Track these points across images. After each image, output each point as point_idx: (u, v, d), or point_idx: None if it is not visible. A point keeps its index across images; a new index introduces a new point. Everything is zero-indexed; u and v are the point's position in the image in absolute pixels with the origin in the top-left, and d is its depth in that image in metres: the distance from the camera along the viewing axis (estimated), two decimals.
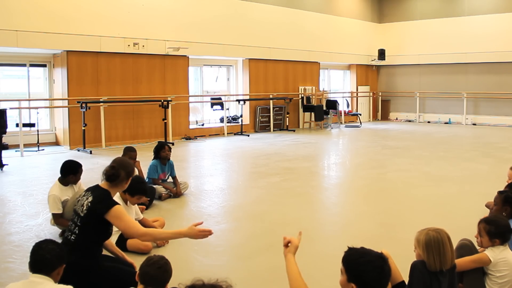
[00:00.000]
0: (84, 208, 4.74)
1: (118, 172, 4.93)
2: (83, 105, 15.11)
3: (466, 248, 4.74)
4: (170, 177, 9.80)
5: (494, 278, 4.53)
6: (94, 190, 4.89)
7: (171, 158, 9.82)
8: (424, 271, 4.02)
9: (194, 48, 18.74)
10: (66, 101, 15.98)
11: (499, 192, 5.53)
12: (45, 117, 16.91)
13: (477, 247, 4.80)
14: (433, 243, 4.05)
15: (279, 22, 22.07)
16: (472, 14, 24.48)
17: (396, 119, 27.41)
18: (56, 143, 16.71)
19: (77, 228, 4.74)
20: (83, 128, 15.35)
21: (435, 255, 4.04)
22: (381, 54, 26.69)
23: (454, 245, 4.37)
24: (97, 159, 13.70)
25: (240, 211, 8.59)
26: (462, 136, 20.27)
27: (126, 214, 4.79)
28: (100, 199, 4.77)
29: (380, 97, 28.14)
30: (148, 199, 8.35)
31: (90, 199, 4.77)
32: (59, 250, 3.98)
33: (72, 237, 4.75)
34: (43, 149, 15.30)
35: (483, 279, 4.59)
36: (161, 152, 9.60)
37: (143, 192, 6.71)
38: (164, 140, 17.34)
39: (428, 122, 25.99)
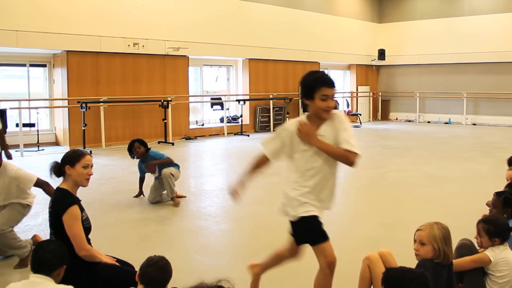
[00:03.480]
0: (48, 214, 4.70)
1: (58, 162, 4.76)
2: (83, 105, 15.12)
3: (466, 248, 4.74)
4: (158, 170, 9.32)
5: (495, 278, 4.52)
6: (54, 192, 4.77)
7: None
8: (432, 271, 4.03)
9: (194, 48, 18.75)
10: (66, 101, 15.99)
11: (497, 194, 5.41)
12: (45, 117, 16.91)
13: (477, 248, 4.80)
14: (448, 235, 4.16)
15: (279, 22, 22.08)
16: (472, 14, 24.49)
17: (396, 119, 27.41)
18: (56, 143, 16.71)
19: (53, 235, 4.70)
20: (83, 128, 15.36)
21: (451, 247, 4.18)
22: (381, 54, 26.71)
23: (454, 244, 4.39)
24: (97, 159, 13.70)
25: (240, 211, 8.58)
26: (462, 136, 20.28)
27: (79, 219, 4.60)
28: (58, 199, 4.66)
29: (380, 97, 28.14)
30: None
31: (50, 203, 4.71)
32: (60, 251, 3.96)
33: None
34: (43, 149, 15.31)
35: (483, 279, 4.59)
36: (133, 152, 9.19)
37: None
38: (164, 140, 17.37)
39: (428, 122, 26.00)
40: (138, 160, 9.41)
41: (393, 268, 3.46)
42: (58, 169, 4.73)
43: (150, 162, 9.05)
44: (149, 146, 9.38)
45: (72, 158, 4.73)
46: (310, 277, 5.44)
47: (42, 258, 3.88)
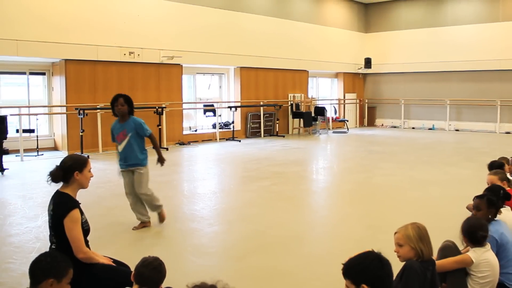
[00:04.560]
0: (49, 217, 4.69)
1: (63, 169, 4.71)
2: (81, 111, 15.11)
3: (449, 249, 4.76)
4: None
5: (476, 279, 4.55)
6: (54, 196, 4.74)
7: (138, 116, 7.99)
8: (419, 271, 4.05)
9: (188, 57, 18.74)
10: (65, 107, 15.95)
11: (478, 197, 5.31)
12: (44, 123, 16.85)
13: (460, 248, 4.83)
14: (424, 233, 4.18)
15: (269, 32, 22.11)
16: (454, 24, 24.60)
17: (382, 125, 27.45)
18: (55, 148, 16.65)
19: (54, 237, 4.68)
20: (80, 133, 15.33)
21: (428, 244, 4.18)
22: (367, 62, 26.78)
23: (437, 245, 4.41)
24: (94, 163, 13.63)
25: (232, 214, 8.59)
26: (445, 141, 20.32)
27: (79, 222, 4.60)
28: (60, 203, 4.65)
29: (366, 104, 28.18)
30: None
31: (51, 207, 4.68)
32: (45, 263, 3.70)
33: (53, 246, 4.70)
34: (42, 154, 15.26)
35: (466, 279, 4.61)
36: (114, 108, 7.85)
37: None
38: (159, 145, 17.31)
39: (413, 128, 26.05)
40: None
41: (348, 260, 3.48)
42: (62, 175, 4.71)
43: (162, 158, 7.87)
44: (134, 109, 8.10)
45: (80, 164, 4.76)
46: (299, 277, 5.46)
47: (30, 269, 3.77)
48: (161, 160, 7.89)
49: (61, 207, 4.61)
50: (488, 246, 4.66)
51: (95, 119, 16.01)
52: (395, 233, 4.27)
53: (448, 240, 4.91)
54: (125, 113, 7.77)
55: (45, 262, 3.73)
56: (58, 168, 4.74)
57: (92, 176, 4.81)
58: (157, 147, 7.98)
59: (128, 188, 7.64)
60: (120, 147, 7.70)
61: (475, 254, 4.59)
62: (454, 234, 4.92)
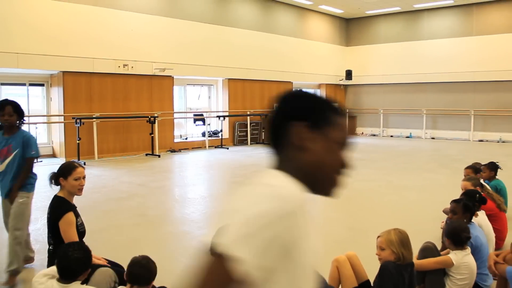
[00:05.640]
0: (47, 220, 4.71)
1: (54, 173, 4.77)
2: (78, 120, 15.08)
3: (429, 250, 4.81)
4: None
5: (455, 280, 4.59)
6: (52, 200, 4.78)
7: (33, 134, 6.31)
8: (393, 271, 4.09)
9: (179, 69, 18.75)
10: (62, 117, 15.90)
11: (455, 201, 5.38)
12: (43, 131, 16.79)
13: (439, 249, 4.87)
14: (405, 238, 4.23)
15: (256, 45, 22.17)
16: (430, 38, 24.75)
17: (362, 133, 27.49)
18: (53, 155, 16.60)
19: (51, 239, 4.69)
20: (77, 141, 15.27)
21: (408, 248, 4.23)
22: (348, 74, 26.86)
23: (414, 245, 4.45)
24: (90, 170, 13.63)
25: (221, 217, 8.59)
26: (421, 149, 20.41)
27: (74, 225, 4.62)
28: (55, 207, 4.68)
29: (347, 113, 28.11)
30: None
31: (48, 210, 4.72)
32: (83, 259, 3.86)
33: (50, 247, 4.73)
34: (41, 161, 15.19)
35: (444, 279, 4.65)
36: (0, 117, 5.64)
37: None
38: (151, 152, 17.31)
39: (391, 136, 26.14)
40: None
41: None
42: (55, 179, 4.75)
43: (14, 192, 5.74)
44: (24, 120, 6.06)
45: (65, 171, 4.75)
46: None
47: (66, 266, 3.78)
48: (12, 192, 5.78)
49: (56, 210, 4.65)
50: (468, 250, 4.71)
51: (91, 128, 15.97)
52: (378, 237, 4.30)
53: (429, 242, 4.96)
54: (13, 124, 5.76)
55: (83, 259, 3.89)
56: (54, 172, 4.79)
57: (82, 185, 4.72)
58: (25, 174, 5.92)
59: (7, 217, 5.91)
60: (1, 167, 5.81)
61: (456, 257, 4.63)
62: (429, 236, 4.97)
